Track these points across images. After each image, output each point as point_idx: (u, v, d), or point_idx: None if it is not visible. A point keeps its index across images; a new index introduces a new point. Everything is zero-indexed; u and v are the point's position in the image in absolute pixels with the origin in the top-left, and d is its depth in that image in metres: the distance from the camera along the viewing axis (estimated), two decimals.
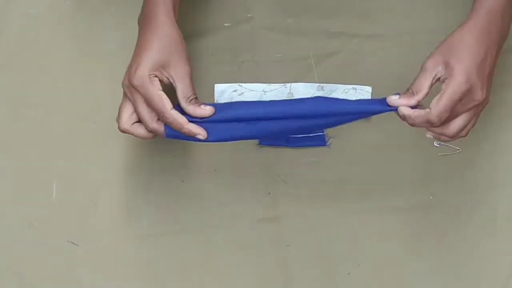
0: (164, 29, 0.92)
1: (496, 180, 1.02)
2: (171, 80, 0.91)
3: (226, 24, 1.08)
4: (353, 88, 1.03)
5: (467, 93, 0.88)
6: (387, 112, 0.92)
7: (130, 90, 0.90)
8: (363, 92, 1.03)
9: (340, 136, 1.03)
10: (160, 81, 0.90)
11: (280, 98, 1.03)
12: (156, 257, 0.99)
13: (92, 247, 0.99)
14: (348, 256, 0.99)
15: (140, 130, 0.92)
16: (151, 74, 0.89)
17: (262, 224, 1.00)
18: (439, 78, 0.89)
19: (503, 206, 1.01)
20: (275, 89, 1.04)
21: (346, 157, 1.02)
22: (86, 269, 0.99)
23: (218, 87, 1.04)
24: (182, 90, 0.90)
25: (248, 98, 1.03)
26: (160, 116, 0.89)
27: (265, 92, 1.04)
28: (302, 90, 1.04)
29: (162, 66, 0.90)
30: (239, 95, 1.04)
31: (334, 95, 1.03)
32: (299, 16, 1.08)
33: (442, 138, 0.91)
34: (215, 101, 1.03)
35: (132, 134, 0.92)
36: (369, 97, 1.03)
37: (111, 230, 1.00)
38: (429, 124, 0.89)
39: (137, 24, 1.08)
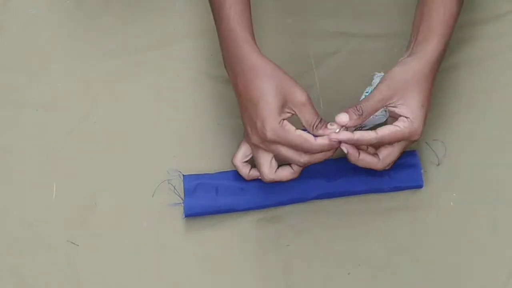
0: (264, 68, 0.91)
1: (496, 180, 1.02)
2: (293, 113, 0.91)
3: None
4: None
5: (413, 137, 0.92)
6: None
7: (266, 144, 0.91)
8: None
9: None
10: (286, 119, 0.91)
11: None
12: (156, 257, 0.99)
13: (92, 247, 0.99)
14: (348, 256, 0.99)
15: (285, 173, 0.94)
16: (280, 122, 0.89)
17: (262, 224, 1.00)
18: (387, 105, 0.92)
19: (503, 206, 1.01)
20: None
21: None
22: (86, 269, 0.99)
23: None
24: (305, 119, 0.91)
25: None
26: (307, 152, 0.90)
27: None
28: None
29: (282, 106, 0.90)
30: None
31: None
32: (299, 16, 1.08)
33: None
34: None
35: (279, 180, 0.94)
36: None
37: (111, 230, 1.00)
38: (371, 168, 0.93)
39: (136, 25, 1.08)
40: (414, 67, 0.92)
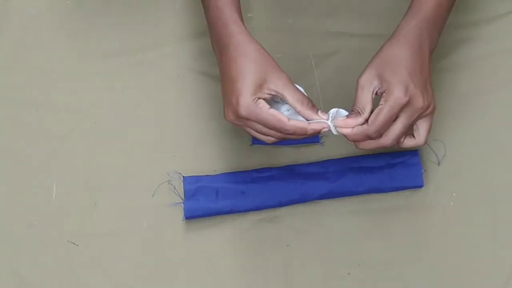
0: (248, 48, 0.90)
1: (496, 180, 1.02)
2: (274, 93, 0.89)
3: None
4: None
5: (408, 104, 0.87)
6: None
7: (241, 121, 0.89)
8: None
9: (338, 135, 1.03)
10: (263, 99, 0.89)
11: None
12: (156, 257, 0.99)
13: (92, 247, 0.99)
14: (348, 256, 0.99)
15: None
16: (254, 99, 0.88)
17: (262, 224, 1.00)
18: (376, 92, 0.89)
19: (503, 206, 1.01)
20: None
21: (345, 156, 1.02)
22: (86, 269, 0.99)
23: None
24: (292, 97, 0.89)
25: None
26: (280, 132, 0.88)
27: None
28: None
29: (260, 86, 0.89)
30: None
31: None
32: (299, 16, 1.08)
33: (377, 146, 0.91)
34: None
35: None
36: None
37: (111, 230, 1.00)
38: (368, 139, 0.89)
39: (136, 25, 1.08)
40: (390, 42, 0.91)
